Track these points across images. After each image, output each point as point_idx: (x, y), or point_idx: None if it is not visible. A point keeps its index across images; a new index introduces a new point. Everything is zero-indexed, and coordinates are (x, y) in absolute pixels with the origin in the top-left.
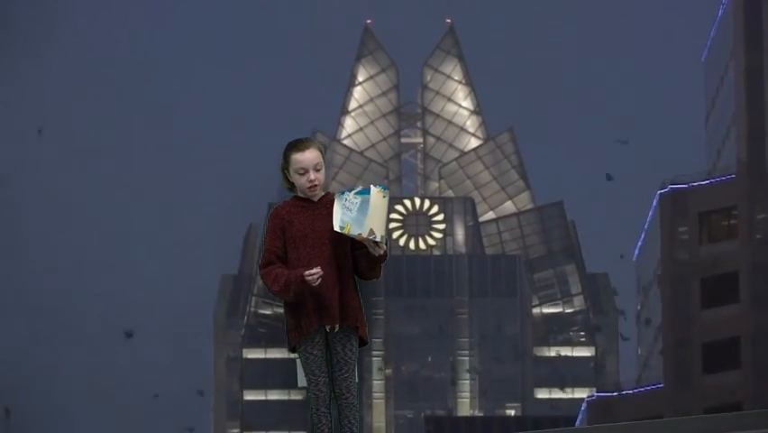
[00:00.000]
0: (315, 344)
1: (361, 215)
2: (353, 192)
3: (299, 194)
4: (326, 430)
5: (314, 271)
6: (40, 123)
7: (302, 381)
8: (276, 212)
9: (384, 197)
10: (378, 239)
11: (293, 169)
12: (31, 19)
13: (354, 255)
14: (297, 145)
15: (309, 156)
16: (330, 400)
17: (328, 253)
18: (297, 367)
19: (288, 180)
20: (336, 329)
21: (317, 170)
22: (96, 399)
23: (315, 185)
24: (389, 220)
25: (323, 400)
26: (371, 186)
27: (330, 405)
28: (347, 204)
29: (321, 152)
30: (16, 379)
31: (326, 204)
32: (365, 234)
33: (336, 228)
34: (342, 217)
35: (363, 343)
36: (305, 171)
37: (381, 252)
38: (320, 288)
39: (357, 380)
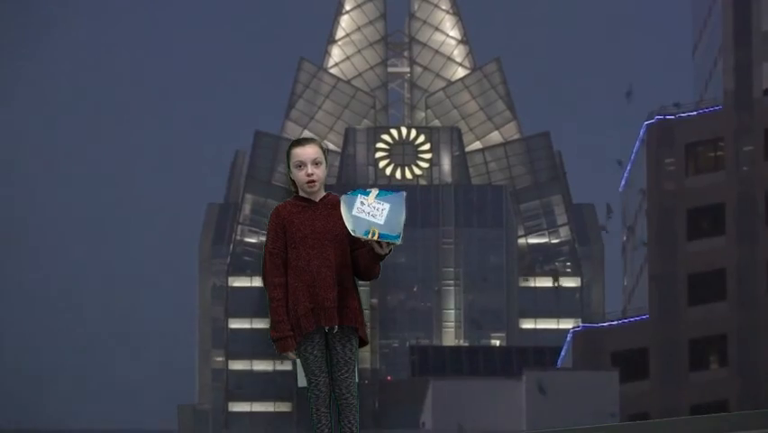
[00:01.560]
0: (315, 344)
1: (391, 222)
2: (373, 196)
3: (301, 193)
4: (326, 430)
5: (293, 357)
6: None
7: (302, 381)
8: (277, 211)
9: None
10: (400, 242)
11: (292, 163)
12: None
13: (353, 255)
14: (298, 141)
15: (308, 150)
16: (330, 400)
17: (328, 254)
18: (296, 367)
19: (293, 183)
20: (335, 330)
21: (316, 165)
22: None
23: (314, 180)
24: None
25: (323, 399)
26: (401, 193)
27: (330, 405)
28: (367, 209)
29: (322, 149)
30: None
31: (327, 204)
32: (399, 241)
33: (358, 235)
34: (360, 223)
35: (363, 343)
36: (302, 165)
37: (388, 250)
38: (320, 288)
39: (357, 380)
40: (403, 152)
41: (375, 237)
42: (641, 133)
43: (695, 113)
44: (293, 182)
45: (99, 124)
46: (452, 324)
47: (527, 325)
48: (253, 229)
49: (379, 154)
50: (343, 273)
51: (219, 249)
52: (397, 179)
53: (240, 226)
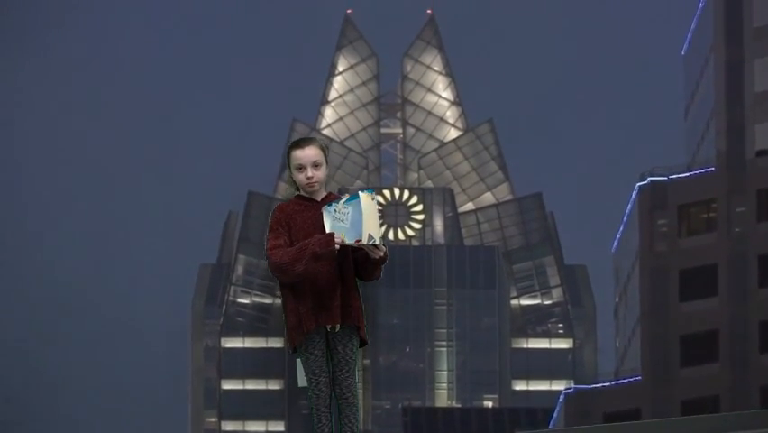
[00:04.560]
0: (315, 344)
1: (354, 223)
2: (341, 202)
3: (302, 193)
4: (327, 430)
5: (340, 241)
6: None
7: (302, 381)
8: (280, 208)
9: (373, 200)
10: (377, 243)
11: (293, 165)
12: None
13: (354, 257)
14: (298, 143)
15: (308, 153)
16: (330, 400)
17: None
18: (296, 367)
19: (293, 182)
20: (337, 329)
21: (316, 167)
22: (76, 384)
23: (314, 182)
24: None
25: (323, 399)
26: (359, 192)
27: (330, 405)
28: (337, 215)
29: (322, 149)
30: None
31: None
32: (364, 241)
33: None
34: (336, 229)
35: (363, 343)
36: (302, 168)
37: (381, 254)
38: (322, 287)
39: (357, 380)
40: (396, 213)
41: (346, 241)
42: (633, 194)
43: (687, 174)
44: (293, 182)
45: (93, 183)
46: (445, 385)
47: (520, 386)
48: (246, 290)
49: None
50: (346, 272)
51: (212, 310)
52: (390, 240)
53: (233, 287)
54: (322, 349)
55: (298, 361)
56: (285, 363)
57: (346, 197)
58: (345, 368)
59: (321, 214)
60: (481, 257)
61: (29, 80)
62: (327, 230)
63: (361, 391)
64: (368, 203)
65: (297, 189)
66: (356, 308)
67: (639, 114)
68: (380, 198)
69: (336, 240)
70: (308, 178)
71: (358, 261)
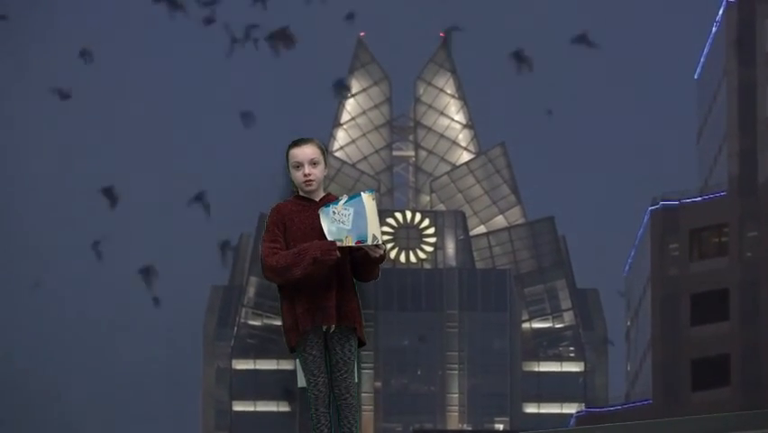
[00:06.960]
0: (313, 344)
1: (357, 225)
2: (341, 203)
3: (300, 193)
4: (326, 430)
5: (347, 243)
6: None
7: (302, 381)
8: (277, 209)
9: (374, 199)
10: (379, 242)
11: (290, 164)
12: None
13: (352, 258)
14: (296, 141)
15: (306, 150)
16: (329, 400)
17: None
18: (296, 368)
19: (294, 183)
20: (332, 329)
21: (313, 165)
22: (86, 405)
23: (311, 180)
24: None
25: (322, 400)
26: (361, 192)
27: (329, 405)
28: (337, 217)
29: (321, 149)
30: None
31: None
32: (370, 242)
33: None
34: (337, 231)
35: (361, 343)
36: (299, 165)
37: (381, 252)
38: (318, 287)
39: (357, 380)
40: (407, 236)
41: (349, 243)
42: (645, 218)
43: (699, 198)
44: (293, 182)
45: (103, 202)
46: (456, 408)
47: (531, 409)
48: (257, 312)
49: (384, 237)
50: (343, 273)
51: (223, 331)
52: (402, 263)
53: (244, 309)
54: (320, 349)
55: (297, 361)
56: (296, 386)
57: (345, 198)
58: (344, 369)
59: (317, 214)
60: (493, 280)
61: (29, 91)
62: (326, 232)
63: (371, 414)
64: (370, 203)
65: (296, 190)
66: (353, 309)
67: (652, 137)
68: (392, 221)
69: (336, 250)
70: (306, 175)
71: (357, 261)
